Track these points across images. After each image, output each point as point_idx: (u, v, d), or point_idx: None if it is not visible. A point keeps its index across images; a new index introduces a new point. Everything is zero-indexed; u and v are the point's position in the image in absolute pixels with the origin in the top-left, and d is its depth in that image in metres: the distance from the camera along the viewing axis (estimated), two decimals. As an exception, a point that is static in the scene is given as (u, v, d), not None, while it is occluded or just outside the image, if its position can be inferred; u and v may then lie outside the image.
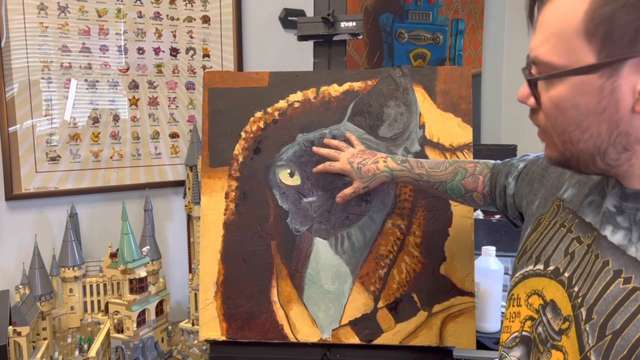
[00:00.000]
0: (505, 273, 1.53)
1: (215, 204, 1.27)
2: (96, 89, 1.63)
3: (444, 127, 1.23)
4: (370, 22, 2.12)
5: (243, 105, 1.29)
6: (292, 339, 1.23)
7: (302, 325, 1.23)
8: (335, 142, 1.20)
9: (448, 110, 1.24)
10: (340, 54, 1.35)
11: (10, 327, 1.27)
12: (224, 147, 1.29)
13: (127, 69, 1.67)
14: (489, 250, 1.44)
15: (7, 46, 1.49)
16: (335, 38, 1.34)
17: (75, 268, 1.53)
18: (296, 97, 1.28)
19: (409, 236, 1.22)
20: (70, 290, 1.54)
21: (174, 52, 1.74)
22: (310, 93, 1.27)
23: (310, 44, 1.38)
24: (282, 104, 1.28)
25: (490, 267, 1.42)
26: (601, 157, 0.59)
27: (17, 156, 1.53)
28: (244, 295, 1.25)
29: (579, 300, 0.62)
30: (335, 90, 1.27)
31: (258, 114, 1.28)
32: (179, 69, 1.76)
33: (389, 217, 1.23)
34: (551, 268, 0.69)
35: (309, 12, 1.67)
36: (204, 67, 1.79)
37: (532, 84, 0.61)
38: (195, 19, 1.76)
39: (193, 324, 1.46)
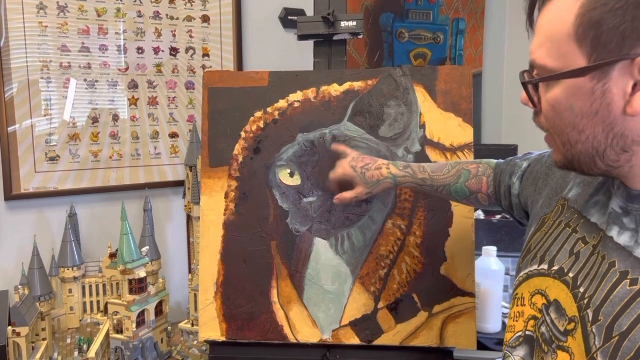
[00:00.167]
0: (506, 273, 1.52)
1: (214, 204, 1.27)
2: (95, 88, 1.63)
3: (445, 126, 1.23)
4: (371, 21, 2.11)
5: (243, 104, 1.28)
6: (292, 339, 1.22)
7: (302, 326, 1.22)
8: (341, 147, 1.19)
9: (448, 110, 1.23)
10: (340, 53, 1.35)
11: (10, 328, 1.26)
12: (223, 147, 1.28)
13: (127, 69, 1.67)
14: (490, 250, 1.44)
15: (6, 46, 1.49)
16: (335, 37, 1.33)
17: (75, 268, 1.52)
18: (296, 96, 1.27)
19: (409, 236, 1.22)
20: (70, 291, 1.54)
21: (174, 51, 1.74)
22: (310, 93, 1.27)
23: (310, 43, 1.37)
24: (282, 103, 1.27)
25: (490, 267, 1.42)
26: (601, 158, 0.60)
27: (16, 156, 1.53)
28: (243, 295, 1.24)
29: (585, 301, 0.62)
30: (335, 89, 1.27)
31: (258, 114, 1.28)
32: (178, 68, 1.75)
33: (389, 217, 1.23)
34: (555, 268, 0.69)
35: (309, 12, 1.67)
36: (203, 67, 1.79)
37: (532, 86, 0.63)
38: (194, 18, 1.76)
39: (192, 325, 1.45)
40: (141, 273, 1.36)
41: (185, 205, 1.63)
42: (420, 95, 1.24)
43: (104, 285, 1.56)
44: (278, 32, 1.89)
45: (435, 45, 2.24)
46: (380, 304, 1.21)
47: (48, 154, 1.58)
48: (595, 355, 0.58)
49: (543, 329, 0.67)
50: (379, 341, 1.20)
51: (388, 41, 2.16)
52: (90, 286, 1.56)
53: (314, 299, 1.23)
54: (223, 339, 1.24)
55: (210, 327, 1.24)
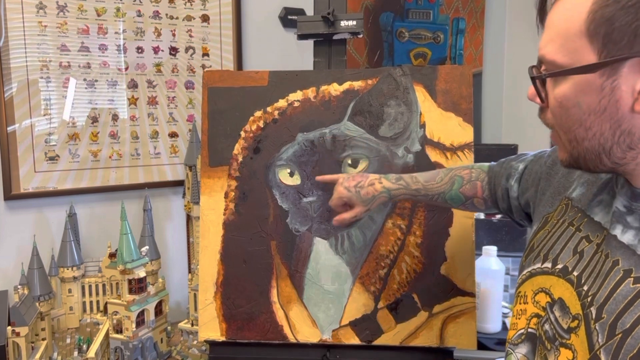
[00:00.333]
0: (506, 273, 1.52)
1: (214, 203, 1.27)
2: (95, 88, 1.63)
3: (445, 126, 1.23)
4: (371, 21, 2.11)
5: (243, 104, 1.28)
6: (292, 339, 1.22)
7: (302, 326, 1.22)
8: (328, 177, 1.18)
9: (449, 110, 1.23)
10: (340, 53, 1.35)
11: (9, 328, 1.26)
12: (223, 147, 1.28)
13: (126, 68, 1.67)
14: (490, 250, 1.43)
15: (5, 45, 1.49)
16: (335, 37, 1.33)
17: (74, 268, 1.52)
18: (296, 96, 1.27)
19: (410, 236, 1.22)
20: (69, 291, 1.53)
21: (173, 51, 1.74)
22: (310, 92, 1.27)
23: (310, 43, 1.37)
24: (281, 103, 1.27)
25: (491, 267, 1.42)
26: (607, 156, 0.60)
27: (15, 156, 1.53)
28: (243, 295, 1.24)
29: (589, 299, 0.62)
30: (335, 89, 1.26)
31: (258, 114, 1.28)
32: (178, 68, 1.75)
33: (390, 217, 1.23)
34: (559, 266, 0.69)
35: (309, 11, 1.67)
36: (203, 67, 1.78)
37: (540, 82, 0.63)
38: (194, 18, 1.76)
39: (192, 325, 1.45)
40: (141, 273, 1.36)
41: (185, 205, 1.62)
42: (421, 95, 1.24)
43: (103, 285, 1.56)
44: (278, 32, 1.89)
45: (436, 44, 2.24)
46: (381, 304, 1.21)
47: (48, 154, 1.58)
48: (598, 352, 0.58)
49: (547, 327, 0.68)
50: (379, 341, 1.20)
51: (388, 41, 2.16)
52: (90, 286, 1.56)
53: (314, 299, 1.23)
54: (223, 339, 1.24)
55: (210, 327, 1.24)
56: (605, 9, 0.54)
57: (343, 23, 1.31)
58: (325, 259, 1.23)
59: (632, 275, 0.58)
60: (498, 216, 1.78)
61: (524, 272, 0.76)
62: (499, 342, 1.37)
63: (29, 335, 1.29)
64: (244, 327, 1.23)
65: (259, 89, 1.28)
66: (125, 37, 1.66)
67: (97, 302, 1.57)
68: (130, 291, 1.34)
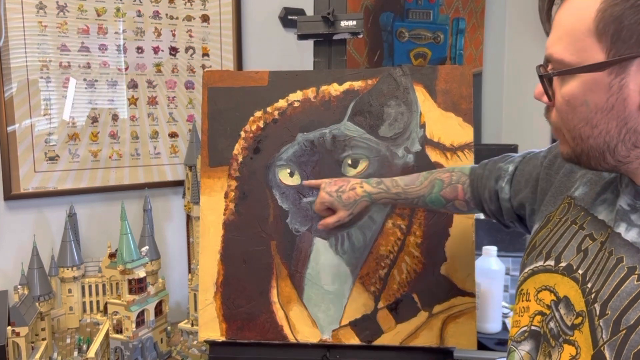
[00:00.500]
0: (506, 273, 1.52)
1: (214, 204, 1.27)
2: (95, 88, 1.63)
3: (445, 126, 1.23)
4: (371, 21, 2.11)
5: (243, 104, 1.28)
6: (292, 339, 1.22)
7: (302, 326, 1.22)
8: (312, 182, 1.21)
9: (449, 110, 1.23)
10: (340, 53, 1.35)
11: (9, 328, 1.26)
12: (223, 147, 1.28)
13: (126, 68, 1.67)
14: (490, 250, 1.43)
15: (5, 45, 1.49)
16: (335, 37, 1.33)
17: (74, 268, 1.52)
18: (296, 96, 1.27)
19: (410, 236, 1.22)
20: (69, 291, 1.53)
21: (173, 51, 1.74)
22: (310, 92, 1.27)
23: (310, 43, 1.37)
24: (281, 103, 1.27)
25: (491, 267, 1.41)
26: (611, 154, 0.60)
27: (15, 156, 1.53)
28: (243, 295, 1.24)
29: (593, 296, 0.62)
30: (335, 89, 1.26)
31: (258, 114, 1.28)
32: (178, 68, 1.75)
33: (390, 217, 1.23)
34: (563, 264, 0.69)
35: (309, 11, 1.67)
36: (203, 67, 1.78)
37: (547, 81, 0.63)
38: (194, 18, 1.76)
39: (192, 325, 1.45)
40: (141, 273, 1.36)
41: (185, 205, 1.62)
42: (421, 95, 1.24)
43: (103, 285, 1.56)
44: (278, 32, 1.89)
45: (436, 44, 2.24)
46: (381, 304, 1.21)
47: (48, 154, 1.58)
48: (602, 348, 0.59)
49: (552, 324, 0.68)
50: (379, 341, 1.20)
51: (388, 41, 2.16)
52: (90, 286, 1.56)
53: (314, 299, 1.23)
54: (223, 339, 1.24)
55: (210, 327, 1.24)
56: (614, 8, 0.54)
57: (343, 23, 1.31)
58: (325, 259, 1.23)
59: (636, 272, 0.59)
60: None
61: (526, 270, 0.76)
62: (499, 342, 1.37)
63: (29, 335, 1.29)
64: (244, 327, 1.23)
65: (259, 89, 1.28)
66: (125, 37, 1.66)
67: (97, 302, 1.57)
68: (130, 291, 1.34)
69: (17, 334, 1.26)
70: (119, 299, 1.37)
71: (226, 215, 1.26)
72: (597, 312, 0.61)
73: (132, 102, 1.69)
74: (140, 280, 1.35)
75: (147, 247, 1.48)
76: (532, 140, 2.23)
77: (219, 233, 1.26)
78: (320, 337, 1.22)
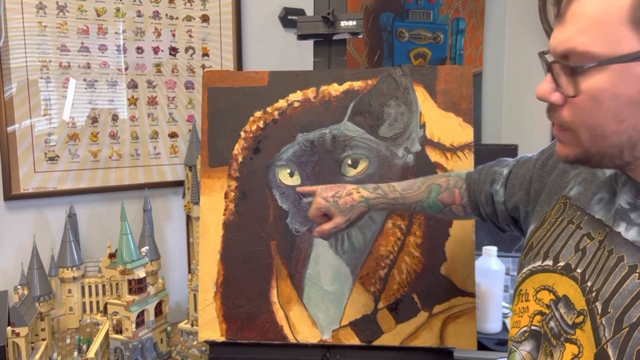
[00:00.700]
0: (507, 273, 1.52)
1: (214, 204, 1.27)
2: (95, 88, 1.63)
3: (445, 126, 1.23)
4: (371, 21, 2.11)
5: (243, 104, 1.28)
6: (292, 339, 1.22)
7: (302, 326, 1.22)
8: (307, 189, 1.16)
9: (449, 110, 1.23)
10: (340, 53, 1.34)
11: (9, 328, 1.26)
12: (223, 147, 1.28)
13: (126, 69, 1.67)
14: (490, 250, 1.43)
15: (5, 46, 1.49)
16: (335, 37, 1.33)
17: (74, 268, 1.52)
18: (296, 96, 1.27)
19: (410, 236, 1.22)
20: (69, 291, 1.53)
21: (173, 51, 1.74)
22: (310, 92, 1.27)
23: (310, 43, 1.37)
24: (281, 103, 1.27)
25: (491, 267, 1.41)
26: (631, 150, 0.59)
27: (15, 156, 1.53)
28: (243, 295, 1.24)
29: (593, 294, 0.62)
30: (335, 89, 1.26)
31: (258, 114, 1.28)
32: (178, 68, 1.75)
33: (389, 217, 1.23)
34: (561, 264, 0.69)
35: (309, 11, 1.67)
36: (203, 67, 1.78)
37: (567, 77, 0.60)
38: (194, 18, 1.76)
39: (192, 325, 1.45)
40: (141, 273, 1.36)
41: (185, 206, 1.62)
42: (421, 95, 1.24)
43: (103, 285, 1.56)
44: (278, 32, 1.89)
45: (436, 45, 2.23)
46: (381, 304, 1.21)
47: (47, 154, 1.58)
48: (605, 346, 0.59)
49: (552, 324, 0.68)
50: (379, 341, 1.20)
51: (388, 41, 2.16)
52: (89, 286, 1.56)
53: (314, 300, 1.23)
54: (223, 339, 1.24)
55: (210, 327, 1.24)
56: None
57: (343, 23, 1.30)
58: (325, 259, 1.23)
59: (637, 271, 0.59)
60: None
61: (524, 271, 0.76)
62: (499, 342, 1.37)
63: (29, 336, 1.29)
64: (244, 328, 1.23)
65: (259, 89, 1.28)
66: (125, 37, 1.65)
67: (97, 302, 1.57)
68: (130, 291, 1.34)
69: (17, 334, 1.26)
70: (118, 299, 1.36)
71: (226, 215, 1.26)
72: (599, 311, 0.61)
73: (132, 102, 1.69)
74: (140, 281, 1.35)
75: (147, 247, 1.48)
76: (532, 140, 2.23)
77: (219, 233, 1.26)
78: (320, 338, 1.21)
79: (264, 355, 1.23)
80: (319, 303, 1.23)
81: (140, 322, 1.35)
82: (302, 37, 1.34)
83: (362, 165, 1.24)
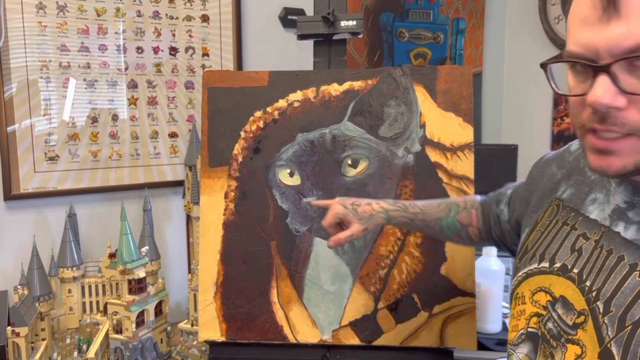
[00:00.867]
0: (507, 274, 1.52)
1: (214, 204, 1.27)
2: (95, 88, 1.63)
3: (445, 126, 1.23)
4: (371, 21, 2.11)
5: (243, 104, 1.28)
6: (292, 339, 1.22)
7: (302, 326, 1.22)
8: (322, 202, 1.13)
9: (449, 110, 1.23)
10: (340, 53, 1.34)
11: (9, 328, 1.26)
12: (223, 147, 1.28)
13: (126, 68, 1.67)
14: (490, 250, 1.43)
15: (5, 45, 1.49)
16: (335, 37, 1.33)
17: (74, 268, 1.52)
18: (296, 96, 1.27)
19: (410, 236, 1.22)
20: (69, 291, 1.53)
21: (173, 51, 1.74)
22: (310, 92, 1.27)
23: (310, 43, 1.37)
24: (281, 103, 1.27)
25: (491, 267, 1.41)
26: None
27: (15, 156, 1.53)
28: (243, 295, 1.24)
29: (594, 294, 0.62)
30: (335, 89, 1.26)
31: (258, 114, 1.28)
32: (178, 68, 1.75)
33: (390, 217, 1.22)
34: (557, 265, 0.69)
35: (309, 11, 1.67)
36: (203, 67, 1.78)
37: (634, 71, 0.54)
38: (194, 18, 1.76)
39: (192, 325, 1.45)
40: (141, 273, 1.36)
41: (185, 206, 1.62)
42: (421, 95, 1.24)
43: (103, 285, 1.56)
44: (278, 32, 1.89)
45: (436, 44, 2.23)
46: (381, 304, 1.21)
47: (47, 154, 1.57)
48: (609, 345, 0.59)
49: (550, 325, 0.68)
50: (379, 341, 1.20)
51: (388, 41, 2.16)
52: (89, 286, 1.56)
53: (314, 300, 1.23)
54: (223, 339, 1.23)
55: (210, 327, 1.24)
56: None
57: (343, 23, 1.30)
58: (325, 259, 1.23)
59: (638, 269, 0.59)
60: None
61: (520, 274, 0.76)
62: (499, 342, 1.37)
63: (29, 336, 1.29)
64: (244, 328, 1.23)
65: (259, 89, 1.28)
66: (125, 37, 1.65)
67: (97, 302, 1.57)
68: (130, 291, 1.34)
69: (17, 334, 1.26)
70: (118, 299, 1.36)
71: (226, 215, 1.26)
72: (601, 310, 0.61)
73: (132, 102, 1.69)
74: (140, 281, 1.35)
75: (147, 247, 1.48)
76: (532, 140, 2.23)
77: (219, 233, 1.26)
78: (320, 338, 1.21)
79: (264, 355, 1.23)
80: (319, 303, 1.23)
81: (140, 322, 1.35)
82: (302, 37, 1.34)
83: (362, 165, 1.24)
